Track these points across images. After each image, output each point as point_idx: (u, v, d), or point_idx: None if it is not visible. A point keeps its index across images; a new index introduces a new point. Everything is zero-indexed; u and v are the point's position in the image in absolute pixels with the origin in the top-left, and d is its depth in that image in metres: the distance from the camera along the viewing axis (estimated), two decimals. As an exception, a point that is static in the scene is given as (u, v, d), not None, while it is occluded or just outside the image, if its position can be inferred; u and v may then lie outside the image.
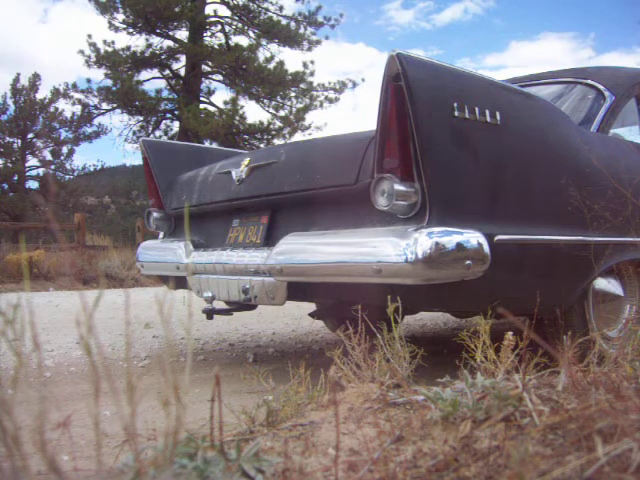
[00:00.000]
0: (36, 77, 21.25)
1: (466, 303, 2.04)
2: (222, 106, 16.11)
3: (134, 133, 17.18)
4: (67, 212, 20.67)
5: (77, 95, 17.02)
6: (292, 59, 39.98)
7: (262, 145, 16.35)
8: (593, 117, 2.59)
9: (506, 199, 1.99)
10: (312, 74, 16.55)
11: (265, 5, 16.87)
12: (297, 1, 17.20)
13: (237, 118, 15.51)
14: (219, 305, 2.56)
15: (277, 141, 16.45)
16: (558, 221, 2.11)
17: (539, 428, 0.82)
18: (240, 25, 17.03)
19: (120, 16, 15.95)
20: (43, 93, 35.34)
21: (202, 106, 16.63)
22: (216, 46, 16.58)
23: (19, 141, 21.25)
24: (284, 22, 16.68)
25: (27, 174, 21.66)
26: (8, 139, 21.05)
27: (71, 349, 3.13)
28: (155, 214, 3.13)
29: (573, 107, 2.69)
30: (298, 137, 16.56)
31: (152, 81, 17.27)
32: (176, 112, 16.83)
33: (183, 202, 2.92)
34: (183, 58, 16.88)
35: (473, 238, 1.77)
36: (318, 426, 0.97)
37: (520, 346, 0.95)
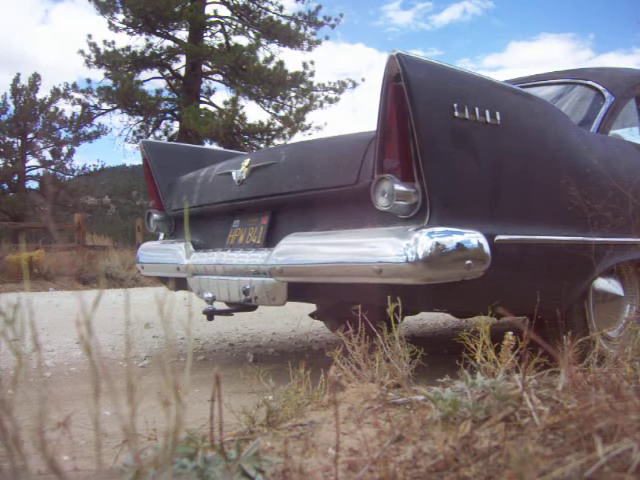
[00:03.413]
0: (36, 77, 21.27)
1: (466, 303, 2.04)
2: (222, 106, 16.11)
3: (134, 133, 17.19)
4: (67, 212, 20.66)
5: (77, 95, 17.05)
6: (292, 59, 39.97)
7: (262, 145, 16.35)
8: (593, 118, 2.59)
9: (506, 199, 1.98)
10: (312, 74, 16.55)
11: (265, 5, 16.88)
12: (297, 1, 17.23)
13: (237, 118, 15.51)
14: (219, 306, 2.56)
15: (277, 141, 16.46)
16: (558, 221, 2.11)
17: (539, 428, 0.82)
18: (240, 25, 17.03)
19: (120, 16, 15.97)
20: (43, 93, 35.39)
21: (202, 106, 16.63)
22: (216, 46, 16.57)
23: (19, 141, 21.25)
24: (284, 22, 16.68)
25: (27, 174, 21.68)
26: (8, 139, 21.06)
27: (71, 349, 3.13)
28: (155, 215, 3.13)
29: (573, 108, 2.69)
30: (298, 137, 16.58)
31: (152, 81, 17.30)
32: (176, 112, 16.83)
33: (183, 203, 2.92)
34: (183, 58, 16.88)
35: (473, 238, 1.77)
36: (318, 426, 0.98)
37: (520, 346, 0.95)
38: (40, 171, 22.13)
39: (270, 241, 2.35)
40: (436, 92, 1.85)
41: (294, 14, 16.99)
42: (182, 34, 16.64)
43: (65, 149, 21.74)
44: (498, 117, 1.93)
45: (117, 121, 48.29)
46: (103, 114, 17.73)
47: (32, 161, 21.91)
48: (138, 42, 20.65)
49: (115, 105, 16.71)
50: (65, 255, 8.82)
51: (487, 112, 1.90)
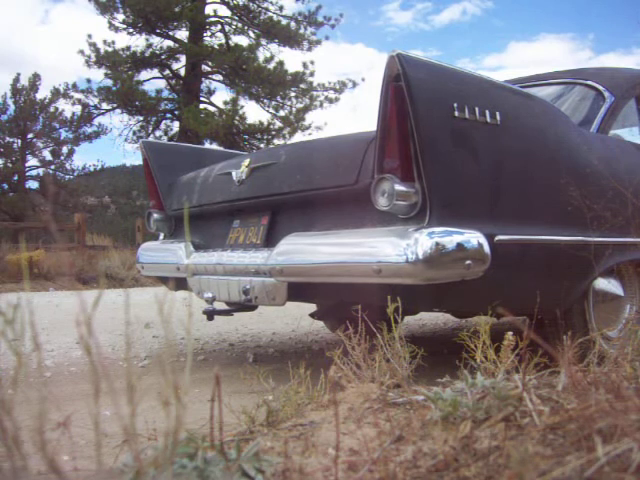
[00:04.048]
0: (36, 77, 21.27)
1: (466, 303, 2.04)
2: (222, 106, 16.11)
3: (134, 133, 17.19)
4: (67, 212, 20.66)
5: (77, 95, 17.05)
6: (292, 59, 40.00)
7: (262, 145, 16.35)
8: (593, 118, 2.59)
9: (506, 199, 1.99)
10: (312, 74, 16.55)
11: (265, 5, 16.88)
12: (297, 1, 17.23)
13: (237, 118, 15.51)
14: (219, 306, 2.56)
15: (277, 141, 16.46)
16: (558, 221, 2.11)
17: (539, 428, 0.82)
18: (240, 25, 17.03)
19: (120, 16, 15.97)
20: (43, 93, 35.39)
21: (202, 106, 16.63)
22: (216, 46, 16.57)
23: (19, 141, 21.25)
24: (284, 22, 16.67)
25: (27, 174, 21.67)
26: (8, 139, 21.06)
27: (71, 349, 3.13)
28: (155, 215, 3.13)
29: (573, 108, 2.69)
30: (298, 137, 16.58)
31: (152, 81, 17.30)
32: (176, 112, 16.83)
33: (183, 203, 2.92)
34: (183, 58, 16.88)
35: (473, 238, 1.77)
36: (318, 426, 0.98)
37: (520, 346, 0.95)
38: (40, 171, 22.17)
39: (270, 241, 2.35)
40: (436, 92, 1.85)
41: (294, 14, 17.01)
42: (182, 34, 16.67)
43: (65, 149, 21.77)
44: (498, 117, 1.93)
45: (117, 121, 48.30)
46: (103, 114, 17.75)
47: (32, 161, 21.94)
48: (138, 42, 20.67)
49: (115, 105, 16.70)
50: (65, 255, 8.82)
51: (487, 112, 1.90)
